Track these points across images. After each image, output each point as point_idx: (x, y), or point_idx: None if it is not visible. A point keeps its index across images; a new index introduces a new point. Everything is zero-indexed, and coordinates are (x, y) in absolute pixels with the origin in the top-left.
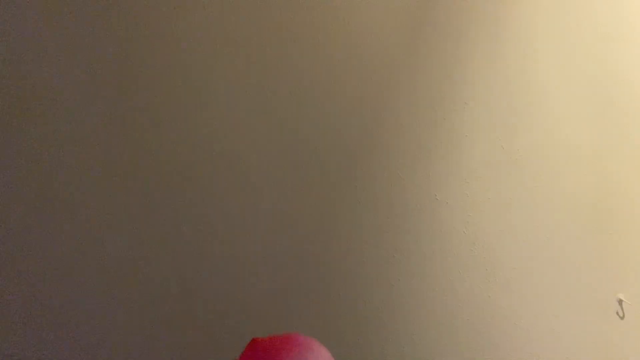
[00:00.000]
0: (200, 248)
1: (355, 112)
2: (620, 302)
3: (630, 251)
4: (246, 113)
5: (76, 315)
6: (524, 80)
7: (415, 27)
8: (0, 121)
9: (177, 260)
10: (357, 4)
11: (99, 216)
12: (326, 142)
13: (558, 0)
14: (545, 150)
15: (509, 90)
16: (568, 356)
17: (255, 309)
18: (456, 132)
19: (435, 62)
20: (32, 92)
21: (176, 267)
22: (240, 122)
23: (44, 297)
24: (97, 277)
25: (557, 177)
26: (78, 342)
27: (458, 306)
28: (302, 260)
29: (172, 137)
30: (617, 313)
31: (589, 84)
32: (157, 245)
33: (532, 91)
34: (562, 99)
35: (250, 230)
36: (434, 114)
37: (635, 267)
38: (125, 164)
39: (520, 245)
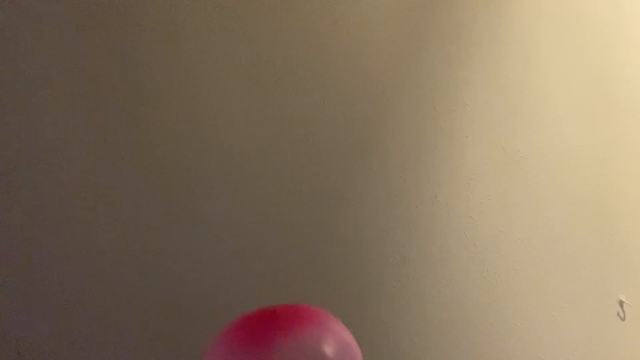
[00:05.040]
0: (199, 247)
1: (356, 114)
2: (621, 303)
3: (632, 252)
4: (246, 114)
5: (74, 313)
6: (525, 81)
7: (416, 29)
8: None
9: (175, 259)
10: (359, 5)
11: (95, 214)
12: (327, 143)
13: (559, 1)
14: (546, 151)
15: (510, 92)
16: (569, 357)
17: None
18: (457, 133)
19: (436, 64)
20: (31, 90)
21: (173, 267)
22: (241, 122)
23: (46, 294)
24: (93, 275)
25: (558, 178)
26: (77, 340)
27: (459, 307)
28: (301, 261)
29: (169, 135)
30: (618, 314)
31: (589, 84)
32: (155, 243)
33: (533, 92)
34: (562, 99)
35: (250, 230)
36: (434, 115)
37: (637, 268)
38: (123, 162)
39: (521, 247)
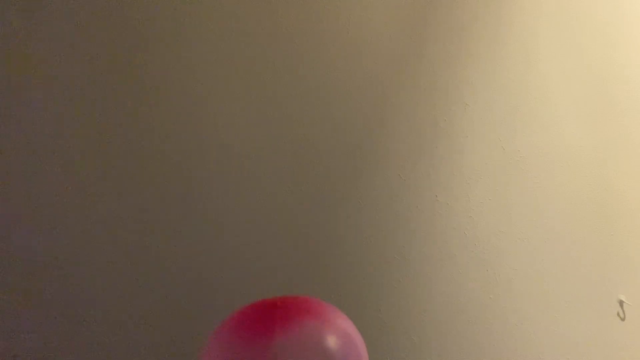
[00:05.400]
0: (198, 247)
1: (356, 114)
2: (621, 303)
3: (631, 252)
4: (247, 113)
5: (77, 314)
6: (525, 81)
7: (416, 28)
8: None
9: (174, 259)
10: (359, 5)
11: (95, 213)
12: (327, 143)
13: (559, 1)
14: (546, 151)
15: (510, 92)
16: (569, 357)
17: None
18: (457, 133)
19: (436, 63)
20: (32, 90)
21: (173, 267)
22: (241, 122)
23: (45, 294)
24: (93, 274)
25: (558, 178)
26: (79, 341)
27: (459, 307)
28: (301, 261)
29: (169, 135)
30: (618, 314)
31: (589, 84)
32: (155, 243)
33: (533, 92)
34: (562, 99)
35: (251, 230)
36: (434, 115)
37: (636, 268)
38: (123, 162)
39: (521, 247)
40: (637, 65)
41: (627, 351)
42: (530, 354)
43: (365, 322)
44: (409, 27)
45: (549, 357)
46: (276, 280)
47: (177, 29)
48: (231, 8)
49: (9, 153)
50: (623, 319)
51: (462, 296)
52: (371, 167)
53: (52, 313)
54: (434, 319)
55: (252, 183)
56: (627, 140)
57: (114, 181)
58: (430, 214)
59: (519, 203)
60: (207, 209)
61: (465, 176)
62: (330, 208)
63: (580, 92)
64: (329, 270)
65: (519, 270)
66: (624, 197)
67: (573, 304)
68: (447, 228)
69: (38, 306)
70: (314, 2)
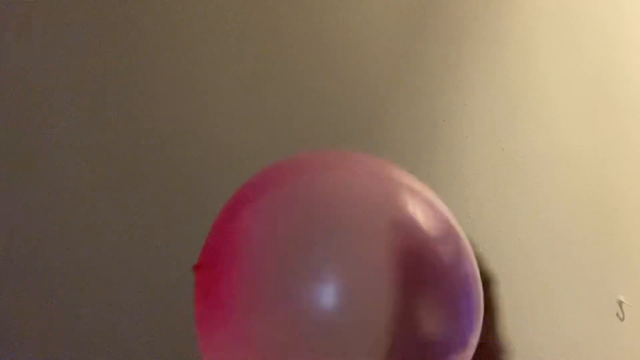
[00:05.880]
0: (199, 247)
1: (356, 113)
2: (620, 303)
3: (631, 252)
4: (247, 113)
5: (75, 313)
6: (524, 81)
7: (415, 28)
8: None
9: (175, 260)
10: (359, 5)
11: (94, 213)
12: (326, 143)
13: (559, 1)
14: (545, 152)
15: (510, 92)
16: (569, 357)
17: None
18: (456, 133)
19: (435, 63)
20: (29, 89)
21: (173, 267)
22: (242, 122)
23: (45, 294)
24: (93, 276)
25: (558, 179)
26: (78, 341)
27: None
28: None
29: (169, 135)
30: (617, 314)
31: (589, 84)
32: (154, 244)
33: (533, 92)
34: (562, 99)
35: None
36: (434, 115)
37: (636, 269)
38: (122, 162)
39: (521, 247)
40: (637, 65)
41: (626, 351)
42: (530, 354)
43: None
44: (409, 27)
45: (549, 357)
46: None
47: (177, 29)
48: (231, 8)
49: (9, 154)
50: (622, 320)
51: None
52: None
53: (51, 313)
54: None
55: None
56: (627, 140)
57: (113, 181)
58: None
59: (519, 203)
60: (207, 209)
61: (465, 176)
62: None
63: (580, 92)
64: None
65: (518, 270)
66: (624, 197)
67: (573, 304)
68: None
69: (38, 306)
70: (313, 2)
